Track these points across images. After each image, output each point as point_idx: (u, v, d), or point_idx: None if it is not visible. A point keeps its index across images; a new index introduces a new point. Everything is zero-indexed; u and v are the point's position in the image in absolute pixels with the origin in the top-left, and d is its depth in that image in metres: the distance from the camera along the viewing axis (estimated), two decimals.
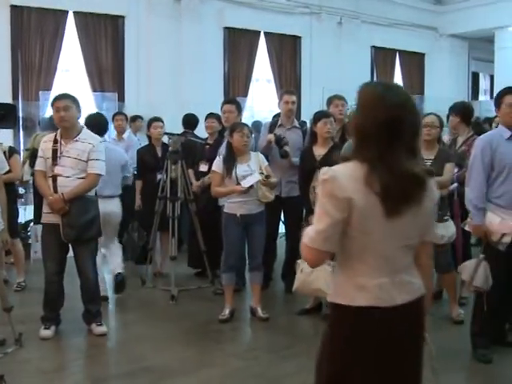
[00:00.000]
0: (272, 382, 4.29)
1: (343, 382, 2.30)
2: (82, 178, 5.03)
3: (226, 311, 5.57)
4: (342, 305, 2.29)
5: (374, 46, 14.81)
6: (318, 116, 5.55)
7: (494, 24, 15.22)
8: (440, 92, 14.78)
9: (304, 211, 5.81)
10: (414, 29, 15.28)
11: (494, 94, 16.79)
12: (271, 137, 6.15)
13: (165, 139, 7.18)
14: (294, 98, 6.31)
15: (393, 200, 2.18)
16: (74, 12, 10.33)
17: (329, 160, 5.44)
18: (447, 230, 5.34)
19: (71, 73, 10.61)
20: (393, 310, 2.24)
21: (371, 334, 2.24)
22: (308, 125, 6.36)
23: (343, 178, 2.21)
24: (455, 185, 5.60)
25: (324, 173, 2.27)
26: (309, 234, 2.24)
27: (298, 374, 4.36)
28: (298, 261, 5.40)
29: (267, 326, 5.48)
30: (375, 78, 14.98)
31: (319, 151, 5.52)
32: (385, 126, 2.19)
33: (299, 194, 5.90)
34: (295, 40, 13.39)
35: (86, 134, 5.15)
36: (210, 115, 7.23)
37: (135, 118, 9.15)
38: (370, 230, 2.22)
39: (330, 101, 6.41)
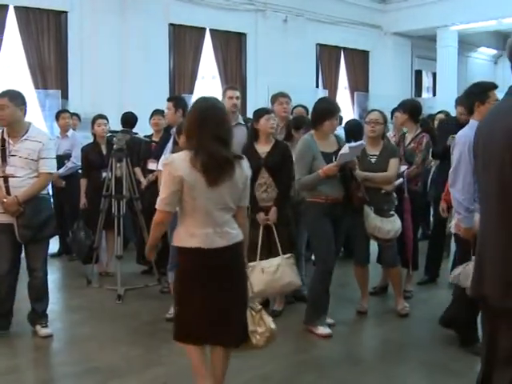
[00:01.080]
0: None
1: (186, 297, 3.44)
2: (35, 177, 4.95)
3: (172, 309, 5.53)
4: (180, 246, 3.42)
5: (319, 44, 14.95)
6: (261, 113, 5.55)
7: (437, 23, 15.57)
8: (384, 89, 15.04)
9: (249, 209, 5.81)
10: (359, 27, 15.49)
11: (437, 92, 17.12)
12: None
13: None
14: (237, 93, 6.26)
15: (210, 175, 3.26)
16: (15, 7, 10.13)
17: (274, 157, 5.48)
18: (393, 224, 5.44)
19: (13, 69, 10.39)
20: (214, 250, 3.35)
21: (199, 265, 3.39)
22: None
23: (177, 162, 3.29)
24: (401, 180, 5.68)
25: (166, 159, 3.58)
26: (157, 203, 3.35)
27: (244, 370, 4.38)
28: (251, 263, 5.42)
29: None
30: (320, 76, 15.14)
31: (263, 148, 5.52)
32: (197, 124, 3.33)
33: None
34: (240, 37, 13.45)
35: (34, 131, 5.04)
36: (156, 112, 7.18)
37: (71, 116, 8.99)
38: (196, 196, 3.29)
39: (274, 98, 6.39)
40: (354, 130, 6.06)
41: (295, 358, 4.68)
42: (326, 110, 5.17)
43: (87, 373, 4.40)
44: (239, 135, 6.19)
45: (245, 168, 3.46)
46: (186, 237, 3.37)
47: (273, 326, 3.58)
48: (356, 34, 15.47)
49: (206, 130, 3.29)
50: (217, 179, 3.27)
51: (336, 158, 5.04)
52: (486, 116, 2.80)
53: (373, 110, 5.76)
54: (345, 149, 5.00)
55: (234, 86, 6.85)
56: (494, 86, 4.61)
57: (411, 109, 6.22)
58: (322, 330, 5.11)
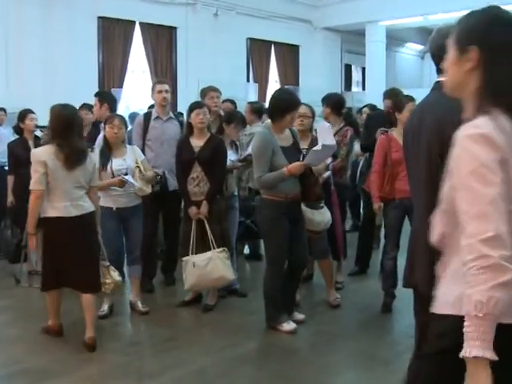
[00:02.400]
0: (153, 376, 4.26)
1: (49, 253, 4.65)
2: None
3: (105, 306, 5.46)
4: (46, 216, 4.54)
5: (249, 38, 14.98)
6: (192, 107, 5.54)
7: (365, 18, 15.85)
8: (314, 83, 15.20)
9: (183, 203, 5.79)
10: (289, 21, 15.59)
11: (366, 86, 17.45)
12: None
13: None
14: (166, 86, 6.18)
15: (69, 162, 4.49)
16: None
17: (207, 151, 5.46)
18: (323, 216, 5.50)
19: None
20: (70, 218, 4.55)
21: (60, 229, 4.54)
22: (185, 116, 6.30)
23: (42, 153, 4.52)
24: (329, 173, 5.75)
25: (34, 151, 4.75)
26: (31, 185, 4.47)
27: (178, 366, 4.39)
28: (184, 258, 5.40)
29: (147, 320, 5.43)
30: (251, 70, 15.18)
31: (196, 142, 5.51)
32: (64, 126, 4.54)
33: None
34: (171, 31, 13.35)
35: None
36: (83, 106, 7.04)
37: None
38: (57, 177, 4.49)
39: (204, 92, 6.37)
40: None
41: (230, 352, 4.68)
42: (288, 102, 4.90)
43: (17, 375, 4.30)
44: (171, 129, 6.15)
45: (93, 157, 4.80)
46: (50, 209, 4.54)
47: (118, 278, 5.02)
48: (286, 28, 15.57)
49: (69, 130, 4.54)
50: (74, 164, 4.53)
51: (303, 156, 4.91)
52: (415, 109, 2.88)
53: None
54: (318, 146, 4.77)
55: (163, 79, 6.77)
56: None
57: (334, 102, 6.30)
58: (286, 325, 5.02)
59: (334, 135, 6.12)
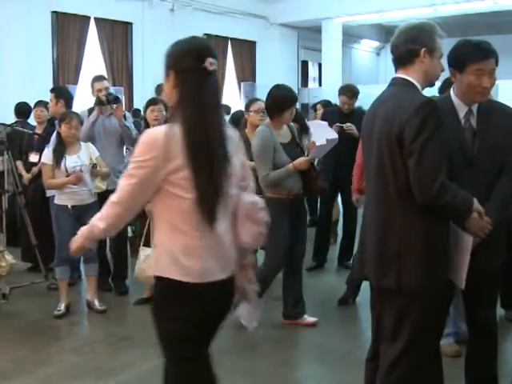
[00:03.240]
0: (111, 374, 4.24)
1: None
2: None
3: (62, 306, 5.40)
4: None
5: (206, 34, 14.91)
6: (147, 104, 5.55)
7: (322, 15, 15.96)
8: (271, 79, 15.12)
9: None
10: (246, 17, 15.61)
11: (322, 82, 17.55)
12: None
13: None
14: (106, 83, 6.07)
15: None
16: None
17: None
18: None
19: None
20: None
21: None
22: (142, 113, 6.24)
23: None
24: None
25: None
26: None
27: (137, 363, 4.36)
28: (141, 249, 5.35)
29: (105, 318, 5.39)
30: None
31: None
32: None
33: None
34: (126, 26, 13.23)
35: None
36: (38, 104, 6.93)
37: None
38: None
39: (160, 88, 6.36)
40: (240, 121, 6.14)
41: None
42: (287, 98, 4.86)
43: None
44: (113, 126, 6.00)
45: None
46: None
47: (12, 261, 5.54)
48: (243, 24, 15.58)
49: None
50: None
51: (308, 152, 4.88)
52: (371, 104, 2.92)
53: (256, 100, 5.82)
54: (322, 141, 4.75)
55: (102, 76, 6.55)
56: None
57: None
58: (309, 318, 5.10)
59: None
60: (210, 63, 2.40)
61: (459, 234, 2.84)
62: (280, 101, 4.83)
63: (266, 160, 4.73)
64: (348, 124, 6.22)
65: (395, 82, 2.84)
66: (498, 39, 3.27)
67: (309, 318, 5.10)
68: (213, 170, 2.33)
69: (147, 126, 5.53)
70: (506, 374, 3.92)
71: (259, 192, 5.15)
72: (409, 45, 2.75)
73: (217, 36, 15.24)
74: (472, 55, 3.00)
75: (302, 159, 4.75)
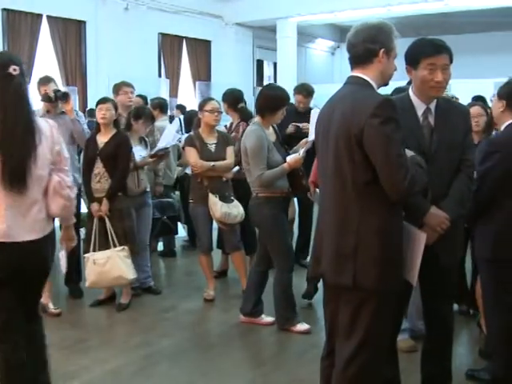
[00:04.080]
0: (67, 378, 4.16)
1: None
2: None
3: None
4: None
5: (161, 33, 14.85)
6: (96, 103, 5.53)
7: (276, 14, 16.00)
8: (226, 78, 15.21)
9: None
10: (201, 16, 15.56)
11: (278, 81, 17.57)
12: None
13: None
14: (52, 86, 5.92)
15: None
16: None
17: (109, 148, 5.37)
18: (238, 209, 5.52)
19: None
20: None
21: None
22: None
23: None
24: (237, 168, 5.76)
25: None
26: None
27: (93, 366, 4.32)
28: (86, 254, 5.31)
29: (60, 322, 5.29)
30: (162, 65, 15.06)
31: (101, 139, 5.45)
32: None
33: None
34: (80, 25, 13.03)
35: None
36: None
37: None
38: None
39: (117, 88, 6.27)
40: (193, 120, 6.19)
41: (145, 350, 4.63)
42: (281, 97, 4.89)
43: None
44: (62, 125, 5.83)
45: None
46: None
47: None
48: (198, 23, 15.52)
49: None
50: None
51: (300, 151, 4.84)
52: (326, 102, 2.93)
53: (210, 99, 5.80)
54: (312, 136, 4.61)
55: (48, 77, 6.28)
56: None
57: (230, 98, 6.34)
58: (300, 326, 4.92)
59: (232, 131, 6.19)
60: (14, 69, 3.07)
61: (412, 231, 2.87)
62: (274, 100, 4.85)
63: (261, 159, 4.68)
64: (304, 124, 6.24)
65: (351, 81, 2.84)
66: (449, 39, 3.31)
67: (266, 318, 5.10)
68: (13, 151, 2.98)
69: (99, 125, 5.49)
70: (460, 366, 3.98)
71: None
72: (367, 44, 2.75)
73: (171, 35, 15.16)
74: (424, 50, 3.08)
75: (296, 157, 4.74)
